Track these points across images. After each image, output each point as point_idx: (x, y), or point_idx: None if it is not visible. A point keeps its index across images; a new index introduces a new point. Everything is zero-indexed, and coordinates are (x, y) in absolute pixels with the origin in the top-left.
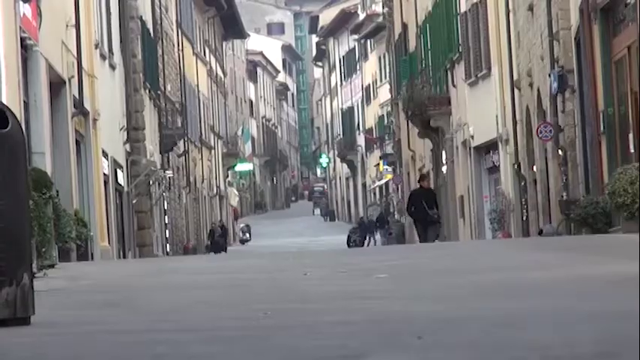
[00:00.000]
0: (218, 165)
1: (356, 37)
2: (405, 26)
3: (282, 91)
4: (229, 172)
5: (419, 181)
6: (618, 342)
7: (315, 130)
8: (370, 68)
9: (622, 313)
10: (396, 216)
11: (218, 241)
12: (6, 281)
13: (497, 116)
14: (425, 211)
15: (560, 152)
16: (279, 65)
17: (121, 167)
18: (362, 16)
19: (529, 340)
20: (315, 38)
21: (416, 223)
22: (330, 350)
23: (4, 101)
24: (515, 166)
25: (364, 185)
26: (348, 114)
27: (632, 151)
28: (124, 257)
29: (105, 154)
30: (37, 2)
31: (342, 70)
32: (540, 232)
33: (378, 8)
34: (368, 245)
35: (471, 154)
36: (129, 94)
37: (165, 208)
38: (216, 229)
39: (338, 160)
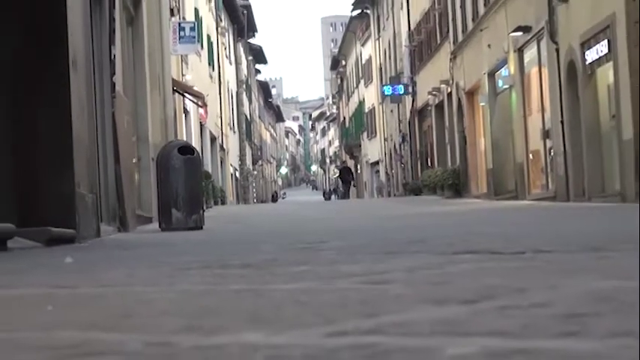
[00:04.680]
0: (273, 169)
1: (325, 122)
2: (344, 117)
3: (298, 141)
4: (278, 172)
5: (342, 163)
6: (430, 237)
7: (311, 157)
8: (331, 134)
9: (431, 226)
10: (340, 188)
11: (275, 198)
12: (194, 213)
13: (379, 152)
14: (345, 177)
15: (402, 165)
16: (297, 132)
17: (237, 170)
18: (328, 113)
19: (400, 237)
20: (310, 122)
21: (340, 182)
22: (312, 239)
23: (194, 145)
24: (386, 170)
25: (329, 177)
26: (323, 151)
27: (429, 165)
28: (238, 204)
29: (231, 165)
30: (205, 108)
31: (321, 135)
32: (395, 195)
33: (334, 110)
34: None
35: (369, 166)
36: (240, 143)
37: (254, 185)
38: (274, 194)
39: (319, 168)
